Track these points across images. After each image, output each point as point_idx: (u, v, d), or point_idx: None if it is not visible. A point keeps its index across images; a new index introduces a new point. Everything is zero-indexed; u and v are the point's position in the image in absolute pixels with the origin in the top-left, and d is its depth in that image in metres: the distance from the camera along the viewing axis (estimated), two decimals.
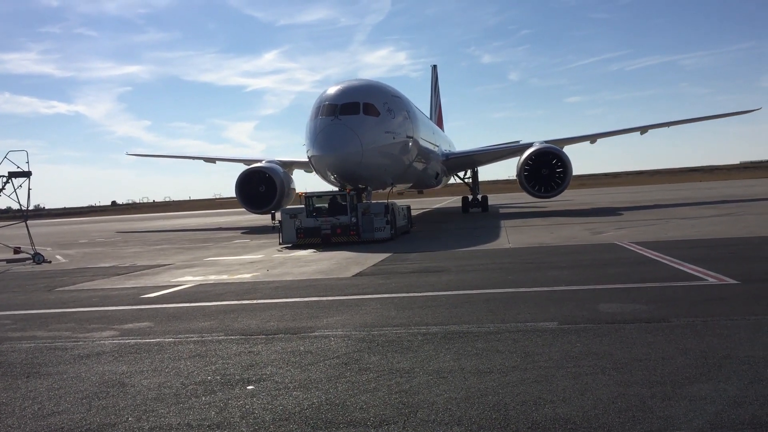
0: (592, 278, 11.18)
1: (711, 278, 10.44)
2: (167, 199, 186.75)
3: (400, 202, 26.82)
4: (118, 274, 16.19)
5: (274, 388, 5.84)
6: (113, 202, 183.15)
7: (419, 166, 30.06)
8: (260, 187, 32.93)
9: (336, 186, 23.31)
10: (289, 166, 36.91)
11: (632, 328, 7.33)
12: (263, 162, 35.18)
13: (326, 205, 21.74)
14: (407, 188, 35.34)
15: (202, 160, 45.20)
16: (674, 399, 4.99)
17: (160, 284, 13.71)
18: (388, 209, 21.75)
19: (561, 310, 8.52)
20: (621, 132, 41.41)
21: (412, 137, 26.14)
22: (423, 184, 37.06)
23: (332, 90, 23.13)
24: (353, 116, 21.86)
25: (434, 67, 59.81)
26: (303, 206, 21.91)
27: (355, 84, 24.19)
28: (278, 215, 22.51)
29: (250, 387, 5.93)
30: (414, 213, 29.79)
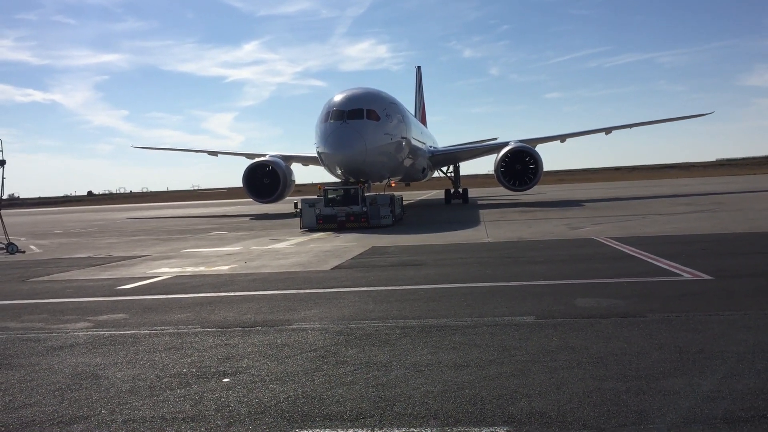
0: (569, 273, 11.25)
1: (686, 274, 10.56)
2: (144, 190, 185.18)
3: (395, 193, 29.47)
4: (94, 265, 16.01)
5: (250, 381, 5.80)
6: (89, 192, 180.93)
7: (409, 162, 33.77)
8: (264, 179, 37.09)
9: (341, 178, 27.07)
10: (289, 160, 40.47)
11: (608, 322, 7.39)
12: (267, 156, 38.90)
13: (341, 196, 25.05)
14: (398, 180, 38.89)
15: (206, 153, 48.99)
16: (649, 393, 5.03)
17: (136, 276, 13.58)
18: (392, 200, 25.76)
19: (538, 305, 8.57)
20: (588, 132, 45.58)
21: (405, 138, 30.28)
22: (411, 177, 41.47)
23: (339, 97, 27.00)
24: (358, 121, 25.71)
25: (419, 68, 64.50)
26: (318, 197, 25.32)
27: (359, 92, 27.92)
28: (299, 204, 25.80)
29: (225, 380, 5.88)
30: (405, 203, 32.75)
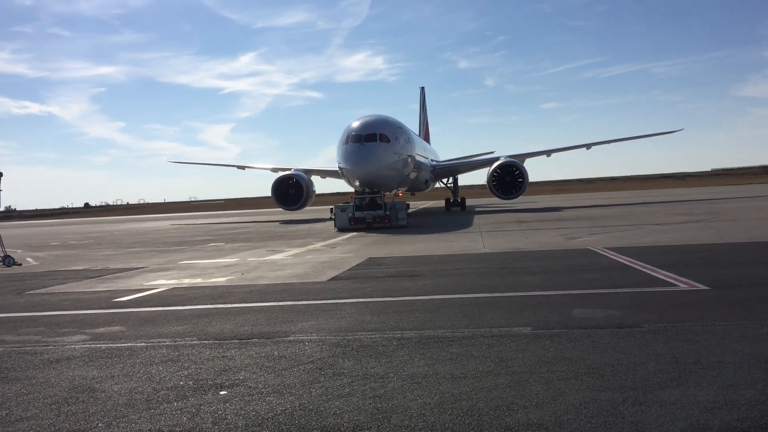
0: (566, 283, 11.27)
1: (682, 284, 10.59)
2: (141, 201, 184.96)
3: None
4: (90, 277, 15.99)
5: (247, 394, 5.80)
6: (86, 204, 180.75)
7: (414, 175, 39.76)
8: (290, 190, 42.74)
9: (358, 189, 32.62)
10: (310, 173, 46.18)
11: (605, 333, 7.40)
12: (291, 170, 44.63)
13: (367, 203, 31.32)
14: (404, 191, 44.37)
15: (235, 167, 54.85)
16: (645, 404, 5.04)
17: (133, 288, 13.56)
18: (407, 206, 33.17)
19: (535, 316, 8.58)
20: (571, 148, 51.14)
21: (410, 155, 36.45)
22: (416, 188, 47.76)
23: (357, 124, 32.94)
24: (373, 143, 31.57)
25: (422, 89, 69.47)
26: (348, 203, 31.87)
27: (373, 120, 33.78)
28: (333, 210, 32.07)
29: (222, 392, 5.88)
30: (410, 210, 37.88)
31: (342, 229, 30.04)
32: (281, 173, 44.64)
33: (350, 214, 30.62)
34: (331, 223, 31.86)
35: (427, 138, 66.41)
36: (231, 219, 56.49)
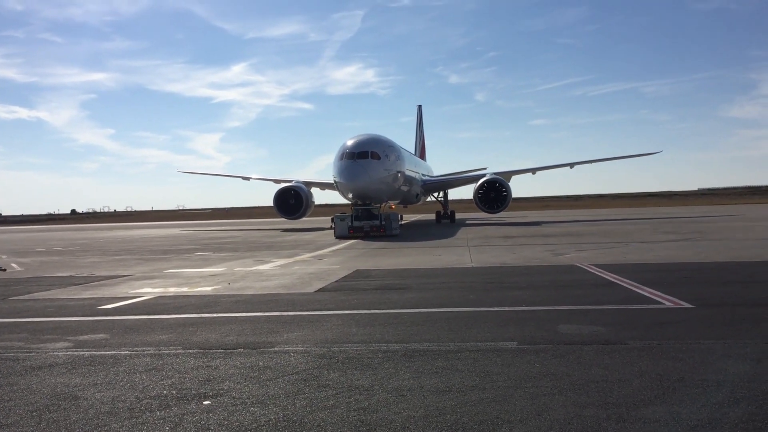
0: (552, 299, 11.30)
1: (667, 302, 10.64)
2: (129, 209, 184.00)
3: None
4: (75, 284, 15.87)
5: (230, 404, 5.77)
6: (73, 211, 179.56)
7: (404, 189, 43.38)
8: (291, 200, 45.72)
9: (351, 201, 36.86)
10: (309, 185, 49.06)
11: (590, 349, 7.43)
12: (292, 182, 47.61)
13: (365, 213, 34.66)
14: (396, 203, 47.49)
15: (240, 178, 57.31)
16: (629, 421, 5.06)
17: (118, 295, 13.47)
18: (399, 217, 37.10)
19: (521, 331, 8.60)
20: (555, 167, 53.79)
21: (400, 171, 40.01)
22: (408, 201, 51.32)
23: (351, 142, 36.55)
24: (364, 160, 35.26)
25: (420, 107, 74.36)
26: (347, 214, 35.03)
27: (365, 139, 37.44)
28: (333, 219, 35.41)
29: (206, 402, 5.84)
30: (403, 222, 42.97)
31: (341, 237, 33.10)
32: (284, 185, 47.52)
33: (349, 223, 33.84)
34: (321, 233, 34.07)
35: (423, 154, 71.74)
36: (236, 227, 57.20)
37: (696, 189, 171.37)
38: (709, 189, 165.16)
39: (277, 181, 51.25)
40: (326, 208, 55.38)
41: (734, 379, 6.08)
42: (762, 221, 38.93)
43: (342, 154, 36.16)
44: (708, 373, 6.31)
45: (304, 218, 47.95)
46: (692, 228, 33.53)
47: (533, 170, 52.68)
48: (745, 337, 7.87)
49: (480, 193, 45.33)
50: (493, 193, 45.19)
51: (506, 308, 10.48)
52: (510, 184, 47.24)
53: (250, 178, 56.36)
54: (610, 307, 10.39)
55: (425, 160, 70.74)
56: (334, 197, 41.08)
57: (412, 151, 65.53)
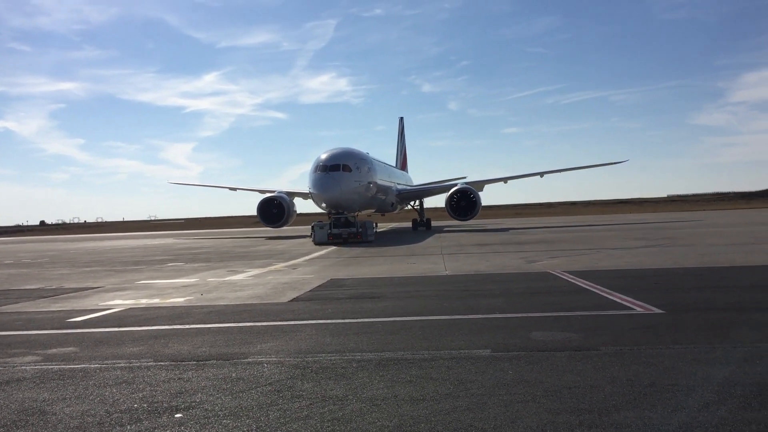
0: (525, 306, 11.37)
1: (638, 308, 10.77)
2: (99, 220, 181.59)
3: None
4: (44, 297, 15.61)
5: (203, 417, 5.70)
6: (42, 222, 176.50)
7: (379, 198, 46.15)
8: (273, 209, 47.48)
9: (326, 211, 39.59)
10: (292, 195, 50.90)
11: (563, 356, 7.48)
12: (275, 192, 49.49)
13: (342, 222, 37.12)
14: (372, 212, 50.72)
15: (227, 189, 59.45)
16: (601, 427, 5.10)
17: (88, 308, 13.27)
18: (374, 225, 39.61)
19: (494, 338, 8.63)
20: (526, 176, 55.64)
21: (372, 182, 42.49)
22: (383, 209, 53.23)
23: (324, 156, 39.16)
24: (336, 172, 37.76)
25: (401, 119, 77.38)
26: (325, 222, 37.48)
27: (338, 152, 40.00)
28: (313, 227, 37.55)
29: (178, 415, 5.77)
30: (379, 230, 45.33)
31: (320, 243, 35.33)
32: (267, 195, 49.70)
33: (329, 231, 36.22)
34: (294, 242, 36.09)
35: (404, 165, 75.13)
36: (221, 237, 57.71)
37: (666, 195, 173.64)
38: (678, 195, 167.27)
39: (262, 192, 52.95)
40: (309, 217, 55.65)
41: (704, 384, 6.16)
42: (730, 227, 39.61)
43: (316, 167, 38.62)
44: (679, 378, 6.38)
45: (285, 227, 49.81)
46: (662, 234, 33.99)
47: (505, 179, 54.83)
48: (714, 342, 7.99)
49: (452, 202, 47.60)
50: (464, 202, 47.41)
51: (480, 316, 10.52)
52: (483, 192, 49.83)
53: (237, 188, 58.23)
54: (582, 313, 10.48)
55: (407, 171, 74.18)
56: (317, 207, 42.96)
57: (393, 161, 69.14)
